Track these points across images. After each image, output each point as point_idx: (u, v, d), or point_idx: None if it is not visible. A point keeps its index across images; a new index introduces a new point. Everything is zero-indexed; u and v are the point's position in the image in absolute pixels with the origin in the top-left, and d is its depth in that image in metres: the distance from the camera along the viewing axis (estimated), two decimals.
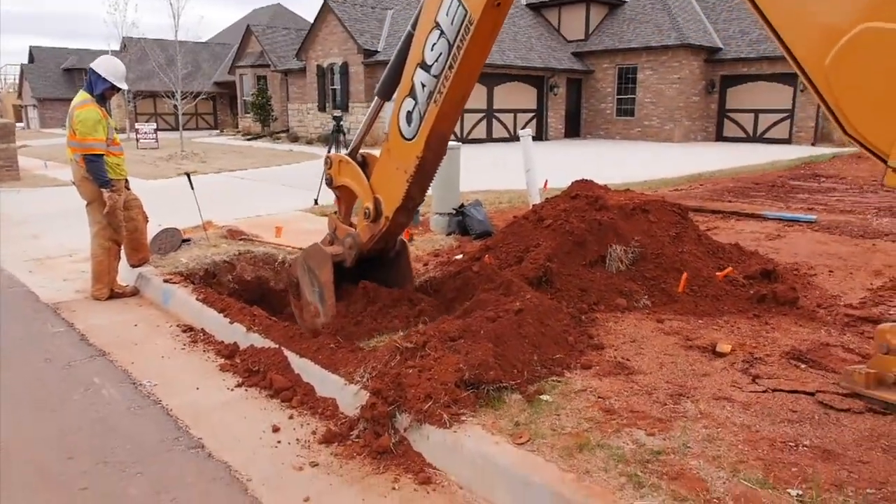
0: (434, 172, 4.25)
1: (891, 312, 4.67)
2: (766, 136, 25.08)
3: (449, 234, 7.78)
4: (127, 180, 6.10)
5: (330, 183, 4.76)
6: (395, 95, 4.24)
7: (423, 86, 3.94)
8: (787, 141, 24.37)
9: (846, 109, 2.52)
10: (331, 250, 4.51)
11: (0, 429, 3.51)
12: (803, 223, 8.06)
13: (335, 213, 4.89)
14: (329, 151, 10.34)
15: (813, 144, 23.55)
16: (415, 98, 4.01)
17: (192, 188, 7.15)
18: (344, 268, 4.51)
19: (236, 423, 3.54)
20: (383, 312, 4.38)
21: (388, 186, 4.25)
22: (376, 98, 4.51)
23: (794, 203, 9.99)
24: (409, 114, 4.06)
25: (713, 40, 26.12)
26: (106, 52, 33.92)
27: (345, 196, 4.74)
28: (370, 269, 4.62)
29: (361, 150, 4.67)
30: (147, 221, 6.35)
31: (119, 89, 5.80)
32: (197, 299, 5.30)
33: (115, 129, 6.02)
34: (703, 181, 13.19)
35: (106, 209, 5.71)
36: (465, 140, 24.82)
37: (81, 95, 5.75)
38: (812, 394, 3.36)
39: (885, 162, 2.45)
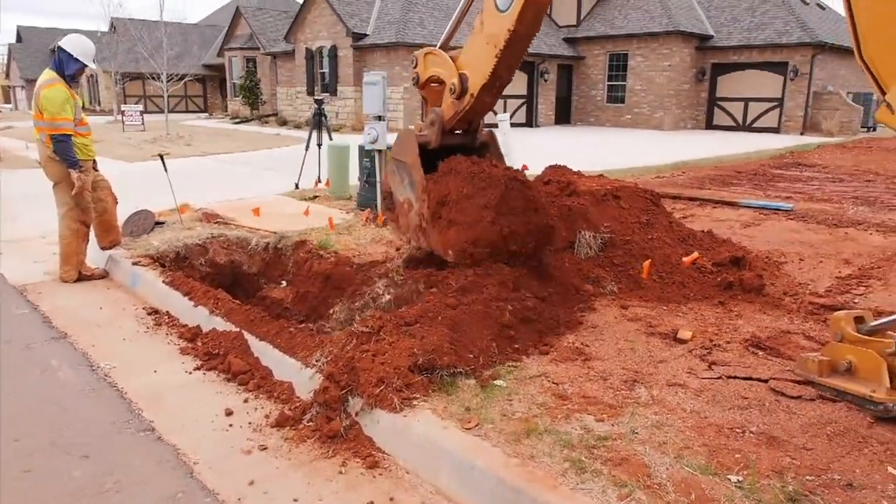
0: (524, 51, 4.11)
1: (855, 301, 4.68)
2: (756, 124, 25.07)
3: None
4: (95, 161, 6.03)
5: (417, 82, 4.70)
6: None
7: None
8: (776, 130, 24.38)
9: (867, 31, 2.56)
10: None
11: None
12: (780, 211, 8.06)
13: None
14: (309, 136, 10.24)
15: (801, 133, 23.58)
16: None
17: (166, 170, 7.07)
18: (431, 153, 4.45)
19: (190, 406, 3.52)
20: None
21: (476, 62, 4.12)
22: None
23: (774, 191, 9.99)
24: None
25: (704, 27, 26.02)
26: (95, 33, 33.45)
27: (431, 98, 4.67)
28: None
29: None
30: (116, 203, 6.29)
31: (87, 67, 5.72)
32: (163, 282, 5.26)
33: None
34: (686, 169, 13.17)
35: (74, 190, 5.64)
36: None
37: (48, 74, 5.65)
38: (766, 381, 3.37)
39: (883, 94, 2.49)
